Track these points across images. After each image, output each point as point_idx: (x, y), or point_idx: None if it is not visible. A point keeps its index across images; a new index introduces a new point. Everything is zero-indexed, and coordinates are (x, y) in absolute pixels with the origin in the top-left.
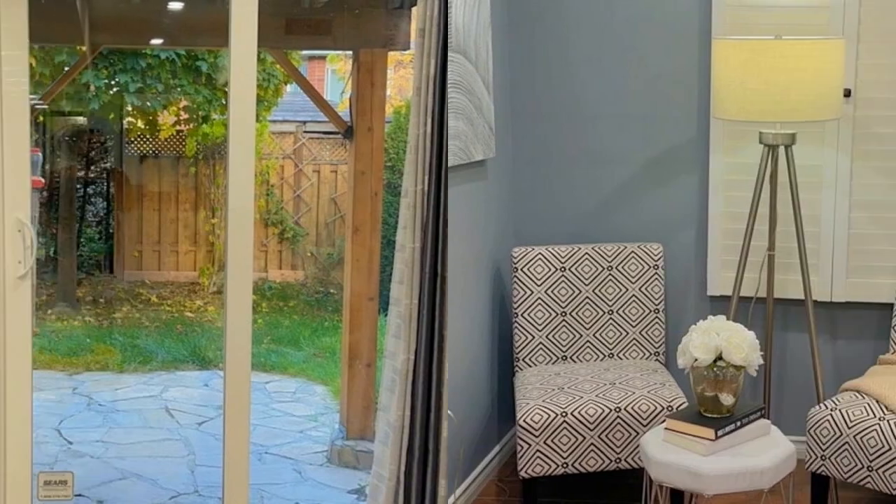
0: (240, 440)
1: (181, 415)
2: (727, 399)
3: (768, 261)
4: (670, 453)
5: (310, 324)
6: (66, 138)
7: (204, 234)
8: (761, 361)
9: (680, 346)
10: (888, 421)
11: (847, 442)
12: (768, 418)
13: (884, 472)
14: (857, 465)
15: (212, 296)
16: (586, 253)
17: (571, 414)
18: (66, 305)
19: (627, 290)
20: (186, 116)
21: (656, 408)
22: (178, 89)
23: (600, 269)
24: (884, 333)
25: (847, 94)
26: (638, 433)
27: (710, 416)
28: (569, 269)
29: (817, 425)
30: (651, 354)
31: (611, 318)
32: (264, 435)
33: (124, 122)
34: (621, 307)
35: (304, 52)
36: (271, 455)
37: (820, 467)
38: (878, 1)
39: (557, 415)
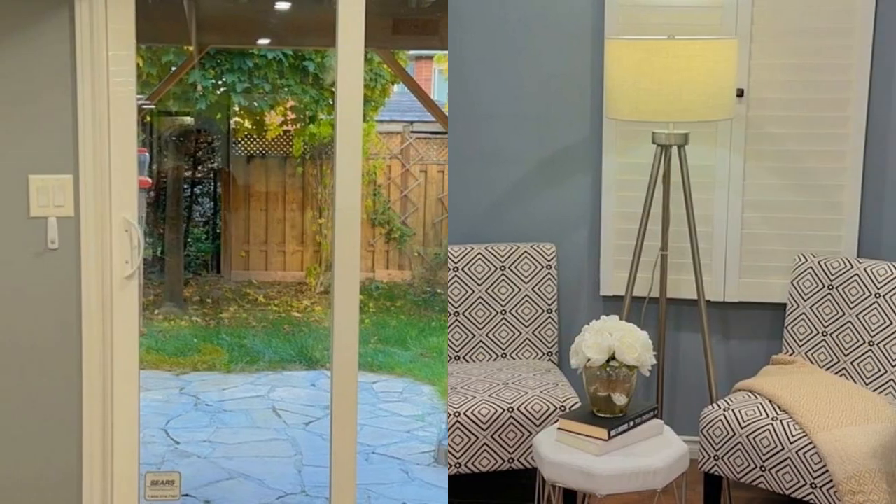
0: (347, 440)
1: (288, 415)
2: (620, 399)
3: (661, 261)
4: (563, 453)
5: (417, 324)
6: (174, 138)
7: (311, 234)
8: (654, 361)
9: (573, 346)
10: (781, 421)
11: (740, 442)
12: (661, 418)
13: (776, 472)
14: (749, 464)
15: (319, 296)
16: (479, 253)
17: (464, 414)
18: (174, 305)
19: (520, 290)
20: (293, 116)
21: (549, 408)
22: (286, 89)
23: (493, 269)
24: (776, 333)
25: (740, 93)
26: (531, 433)
27: (602, 415)
28: (462, 270)
29: (710, 425)
30: (544, 354)
31: (504, 318)
32: (371, 435)
33: (231, 122)
34: (514, 307)
35: (412, 52)
36: (378, 455)
37: (713, 467)
38: (771, 1)
39: (450, 415)
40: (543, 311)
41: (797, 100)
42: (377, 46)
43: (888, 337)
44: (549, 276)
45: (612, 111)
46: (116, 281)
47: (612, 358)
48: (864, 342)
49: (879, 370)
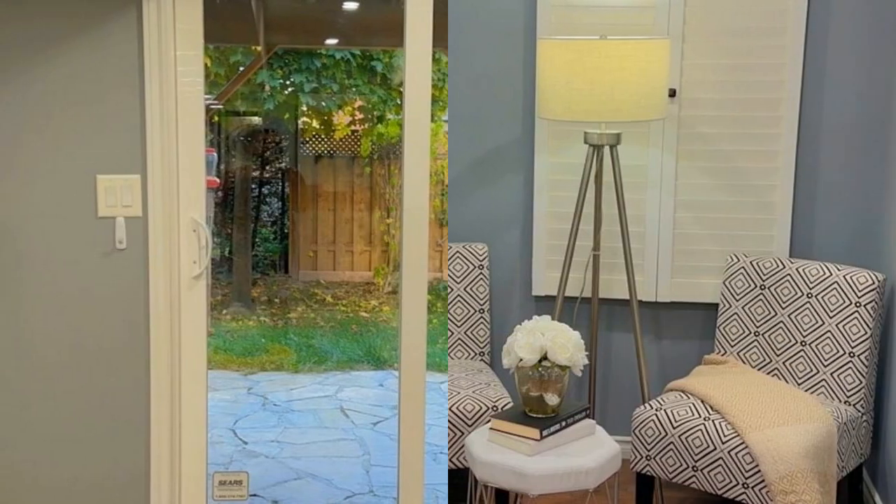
0: (415, 440)
1: (356, 415)
2: (552, 399)
3: (593, 261)
4: (495, 453)
5: None
6: (241, 138)
7: (379, 234)
8: (586, 361)
9: (505, 346)
10: (713, 421)
11: (672, 442)
12: (593, 418)
13: (708, 472)
14: (681, 464)
15: (387, 296)
16: None
17: None
18: (242, 305)
19: (452, 290)
20: (361, 116)
21: (481, 408)
22: (353, 89)
23: None
24: (708, 333)
25: (672, 94)
26: (463, 433)
27: (535, 416)
28: None
29: (642, 425)
30: (476, 354)
31: None
32: (439, 435)
33: (299, 122)
34: (446, 307)
35: None
36: (446, 455)
37: (645, 467)
38: (703, 1)
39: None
40: (475, 311)
41: (729, 100)
42: (445, 46)
43: (820, 337)
44: (481, 275)
45: (545, 111)
46: (184, 281)
47: (545, 358)
48: (796, 342)
49: (811, 370)
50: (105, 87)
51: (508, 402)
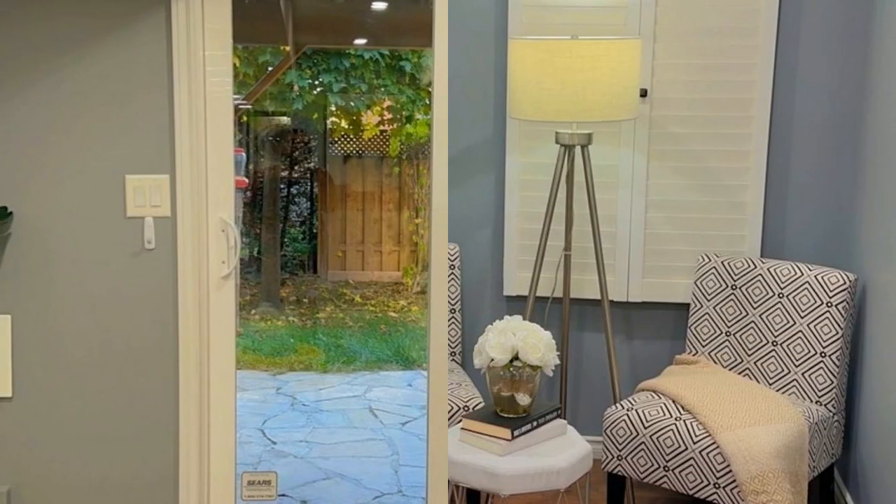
0: (443, 440)
1: (385, 415)
2: (523, 399)
3: (564, 261)
4: (466, 453)
5: None
6: (270, 138)
7: (407, 234)
8: (558, 361)
9: (476, 346)
10: (684, 421)
11: (643, 442)
12: (565, 418)
13: (680, 472)
14: (653, 464)
15: (415, 296)
16: None
17: None
18: (270, 305)
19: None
20: (390, 116)
21: (453, 408)
22: (382, 89)
23: None
24: (680, 333)
25: (643, 93)
26: None
27: (506, 416)
28: None
29: (613, 425)
30: (447, 355)
31: None
32: None
33: (328, 122)
34: None
35: None
36: None
37: (616, 467)
38: (675, 1)
39: None
40: (447, 311)
41: (700, 100)
42: None
43: (791, 337)
44: (452, 276)
45: (516, 111)
46: (213, 281)
47: (516, 358)
48: (768, 342)
49: (782, 370)
50: (134, 87)
51: (480, 402)
